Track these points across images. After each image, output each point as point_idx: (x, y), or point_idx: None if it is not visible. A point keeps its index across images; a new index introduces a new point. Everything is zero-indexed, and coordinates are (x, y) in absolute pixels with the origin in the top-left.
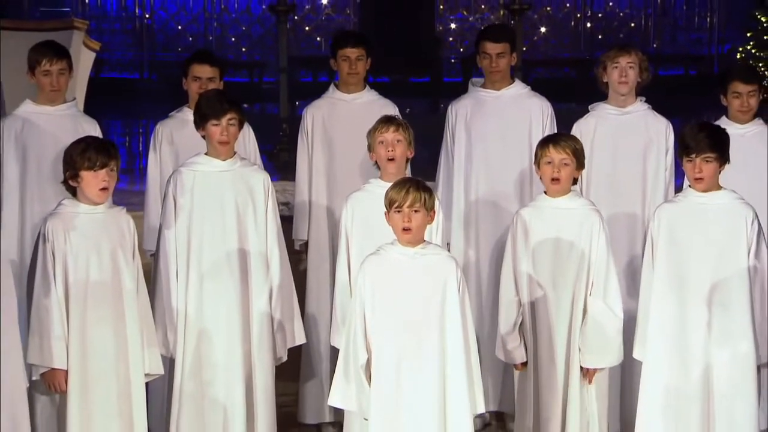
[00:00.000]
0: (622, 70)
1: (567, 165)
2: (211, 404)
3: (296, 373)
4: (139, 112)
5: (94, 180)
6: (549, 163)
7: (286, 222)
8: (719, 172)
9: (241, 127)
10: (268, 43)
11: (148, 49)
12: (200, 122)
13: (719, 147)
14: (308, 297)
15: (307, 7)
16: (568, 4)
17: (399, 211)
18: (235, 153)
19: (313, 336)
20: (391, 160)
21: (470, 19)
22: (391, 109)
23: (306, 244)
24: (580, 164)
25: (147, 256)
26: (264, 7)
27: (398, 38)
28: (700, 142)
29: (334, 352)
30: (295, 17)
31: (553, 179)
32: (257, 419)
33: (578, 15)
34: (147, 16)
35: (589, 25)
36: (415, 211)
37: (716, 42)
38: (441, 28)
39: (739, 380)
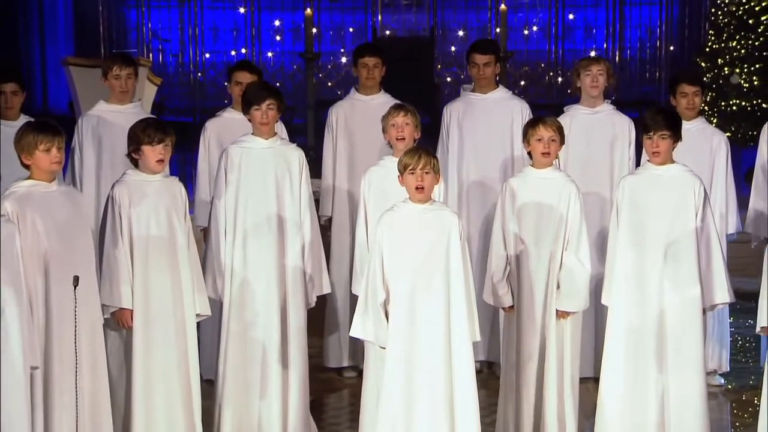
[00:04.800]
0: (594, 77)
1: (554, 141)
2: (252, 341)
3: (320, 329)
4: (192, 147)
5: (152, 153)
6: (539, 140)
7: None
8: (673, 148)
9: (280, 112)
10: (299, 93)
11: (200, 98)
12: (246, 108)
13: (673, 126)
14: (331, 262)
15: (329, 66)
16: (543, 64)
17: (413, 173)
18: (275, 134)
19: (335, 294)
20: (401, 139)
21: (462, 76)
22: None
23: (330, 219)
24: (562, 141)
25: (198, 231)
26: (294, 67)
27: (404, 87)
28: (658, 122)
29: (353, 306)
30: (320, 74)
31: (543, 153)
32: (290, 355)
33: (551, 73)
34: (199, 73)
35: (560, 79)
36: (426, 172)
37: (664, 92)
38: (438, 80)
39: (688, 321)
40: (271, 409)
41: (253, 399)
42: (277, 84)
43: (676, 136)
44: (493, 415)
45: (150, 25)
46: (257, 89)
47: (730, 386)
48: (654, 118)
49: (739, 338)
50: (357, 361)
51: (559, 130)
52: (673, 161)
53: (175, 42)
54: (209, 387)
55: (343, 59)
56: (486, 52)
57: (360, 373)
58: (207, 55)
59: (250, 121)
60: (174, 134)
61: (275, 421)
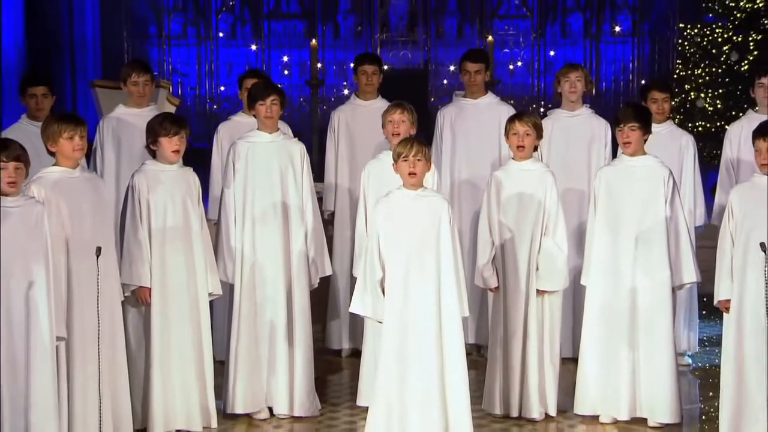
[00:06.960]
0: (572, 83)
1: (528, 135)
2: (261, 322)
3: (323, 315)
4: (207, 170)
5: (168, 144)
6: (515, 134)
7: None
8: (644, 141)
9: (282, 107)
10: (306, 122)
11: (215, 127)
12: (251, 104)
13: (642, 118)
14: (333, 254)
15: (332, 99)
16: (526, 97)
17: (405, 160)
18: (278, 129)
19: (337, 283)
20: (397, 135)
21: None
22: None
23: (332, 214)
24: (539, 135)
25: (212, 224)
26: (301, 99)
27: None
28: (628, 115)
29: (353, 293)
30: (324, 106)
31: (518, 147)
32: (296, 334)
33: (534, 105)
34: (215, 106)
35: (542, 110)
36: (418, 159)
37: None
38: (431, 111)
39: (658, 301)
40: (279, 383)
41: (263, 374)
42: (285, 114)
43: (646, 128)
44: (481, 390)
45: (170, 61)
46: (262, 87)
47: (698, 369)
48: (624, 112)
49: (711, 335)
50: (356, 343)
51: (535, 126)
52: (645, 153)
53: (192, 76)
54: (221, 367)
55: (345, 92)
56: (477, 60)
57: (359, 354)
58: (222, 89)
59: (254, 116)
60: (188, 127)
61: (283, 394)
